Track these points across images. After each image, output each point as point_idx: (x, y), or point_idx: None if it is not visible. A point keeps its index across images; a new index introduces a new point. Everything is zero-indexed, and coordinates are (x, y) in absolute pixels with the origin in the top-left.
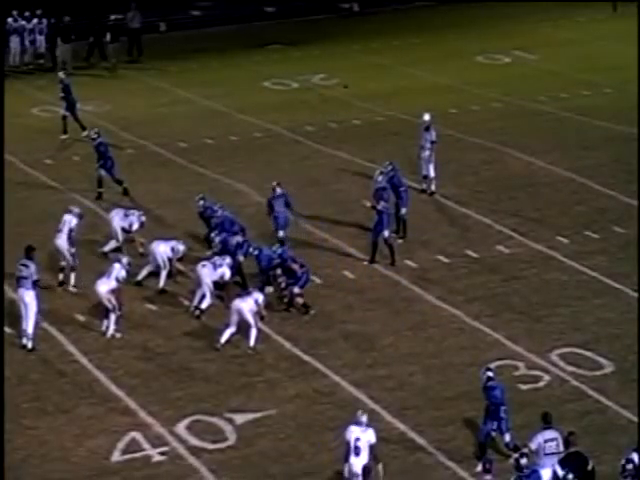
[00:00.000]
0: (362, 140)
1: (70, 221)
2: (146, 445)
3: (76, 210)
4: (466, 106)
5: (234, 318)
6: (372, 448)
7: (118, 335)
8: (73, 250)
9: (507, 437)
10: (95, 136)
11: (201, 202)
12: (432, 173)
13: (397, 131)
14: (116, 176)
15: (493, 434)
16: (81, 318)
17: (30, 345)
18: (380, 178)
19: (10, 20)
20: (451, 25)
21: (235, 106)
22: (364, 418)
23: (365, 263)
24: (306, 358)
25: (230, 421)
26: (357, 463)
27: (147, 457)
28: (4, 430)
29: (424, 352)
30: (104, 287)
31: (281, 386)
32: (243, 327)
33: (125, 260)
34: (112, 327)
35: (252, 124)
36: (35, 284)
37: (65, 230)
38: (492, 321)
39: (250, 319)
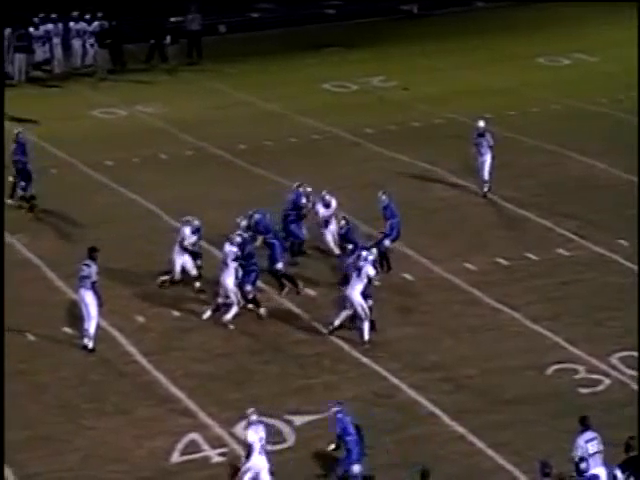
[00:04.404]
0: (421, 142)
1: None
2: (205, 446)
3: None
4: (525, 108)
5: (345, 304)
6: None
7: (232, 326)
8: None
9: (356, 468)
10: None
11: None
12: (486, 176)
13: (456, 133)
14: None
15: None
16: (140, 319)
17: (91, 345)
18: (384, 197)
19: (72, 23)
20: (511, 27)
21: (294, 108)
22: (254, 416)
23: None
24: (364, 360)
25: (289, 423)
26: (262, 460)
27: (206, 458)
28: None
29: (483, 355)
30: (230, 280)
31: (339, 388)
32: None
33: (238, 239)
34: (229, 316)
35: (311, 126)
36: (93, 285)
37: None
38: (552, 324)
39: (360, 311)
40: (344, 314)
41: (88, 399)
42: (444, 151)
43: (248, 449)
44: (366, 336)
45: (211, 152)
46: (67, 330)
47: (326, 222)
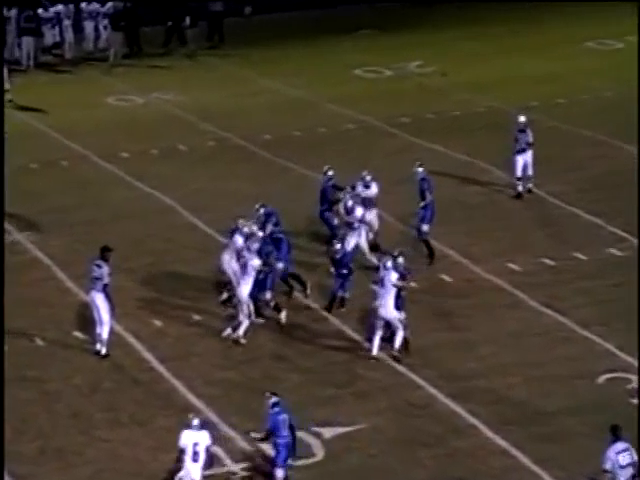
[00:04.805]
0: (461, 133)
1: None
2: (227, 460)
3: None
4: (573, 96)
5: (379, 323)
6: (209, 450)
7: (243, 341)
8: None
9: (279, 473)
10: None
11: (262, 210)
12: (531, 172)
13: (500, 123)
14: None
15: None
16: (157, 323)
17: (104, 351)
18: (420, 169)
19: (83, 4)
20: (558, 9)
21: (324, 96)
22: (196, 421)
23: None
24: (399, 368)
25: (317, 435)
26: (195, 469)
27: (229, 473)
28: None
29: (527, 362)
30: (246, 289)
31: (372, 398)
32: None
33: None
34: (241, 332)
35: (342, 115)
36: (105, 287)
37: None
38: (602, 329)
39: (397, 323)
40: (378, 338)
41: (101, 408)
42: (485, 142)
43: (179, 454)
44: (397, 345)
45: (234, 143)
46: (78, 334)
47: (365, 205)
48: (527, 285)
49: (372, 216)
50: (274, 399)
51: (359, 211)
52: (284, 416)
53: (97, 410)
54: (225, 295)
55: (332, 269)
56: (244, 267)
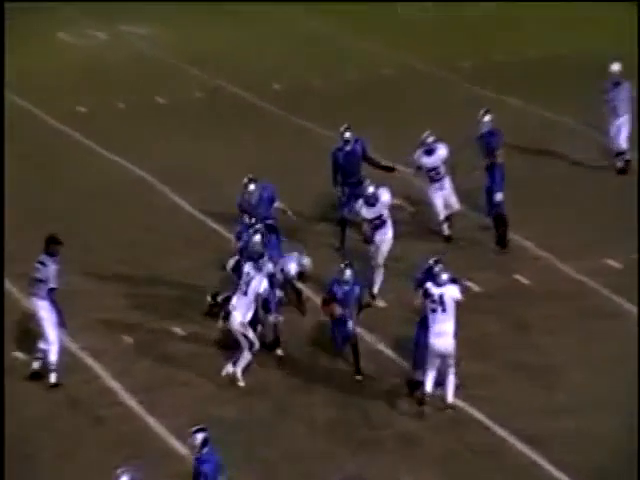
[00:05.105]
0: (542, 82)
1: None
2: None
3: None
4: None
5: (434, 361)
6: None
7: (242, 384)
8: None
9: None
10: None
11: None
12: (625, 144)
13: (592, 71)
14: None
15: None
16: (128, 339)
17: (53, 379)
18: (487, 118)
19: None
20: None
21: (353, 31)
22: (125, 477)
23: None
24: (457, 402)
25: None
26: None
27: None
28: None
29: (631, 395)
30: (240, 313)
31: (419, 442)
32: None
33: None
34: (239, 369)
35: (378, 56)
36: (51, 293)
37: None
38: None
39: (452, 361)
40: (432, 375)
41: (51, 456)
42: (574, 95)
43: None
44: (450, 396)
45: (231, 93)
46: (19, 355)
47: (433, 178)
48: (631, 289)
49: (443, 192)
50: (201, 435)
51: (385, 195)
52: (217, 459)
53: (46, 456)
54: (209, 298)
55: (339, 311)
56: (244, 286)
